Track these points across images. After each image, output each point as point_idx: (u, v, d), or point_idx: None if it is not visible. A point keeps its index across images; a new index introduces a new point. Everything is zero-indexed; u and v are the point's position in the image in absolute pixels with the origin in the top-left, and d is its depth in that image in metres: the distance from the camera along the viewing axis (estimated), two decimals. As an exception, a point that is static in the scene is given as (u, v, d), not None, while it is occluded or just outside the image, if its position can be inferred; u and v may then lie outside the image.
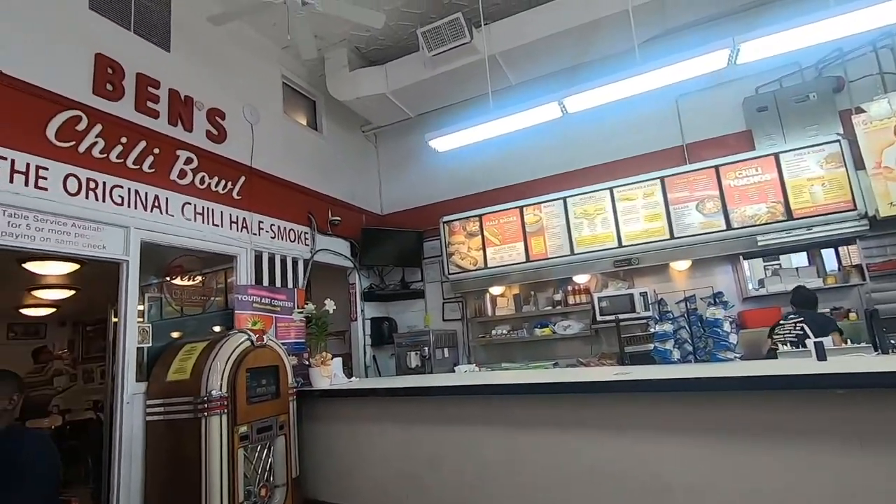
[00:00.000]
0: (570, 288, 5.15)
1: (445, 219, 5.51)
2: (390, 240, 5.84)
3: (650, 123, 5.06)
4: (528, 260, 5.05)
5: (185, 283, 4.54)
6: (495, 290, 5.48)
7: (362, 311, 5.67)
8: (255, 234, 4.35)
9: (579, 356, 4.93)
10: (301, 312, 4.38)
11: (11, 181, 2.77)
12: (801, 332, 3.61)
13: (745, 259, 4.55)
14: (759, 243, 4.23)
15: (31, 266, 4.55)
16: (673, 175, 4.58)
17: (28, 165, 2.85)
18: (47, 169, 2.94)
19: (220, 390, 3.06)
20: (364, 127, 6.30)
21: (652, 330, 4.16)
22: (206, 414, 3.00)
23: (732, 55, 3.36)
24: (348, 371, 4.54)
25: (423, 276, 6.00)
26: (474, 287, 5.47)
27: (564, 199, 4.97)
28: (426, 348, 5.02)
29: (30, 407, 5.65)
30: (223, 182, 4.11)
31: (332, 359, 3.97)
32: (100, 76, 3.32)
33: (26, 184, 2.83)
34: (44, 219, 2.90)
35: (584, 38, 4.51)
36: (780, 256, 4.64)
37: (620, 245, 4.67)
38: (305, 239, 4.99)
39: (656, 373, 2.67)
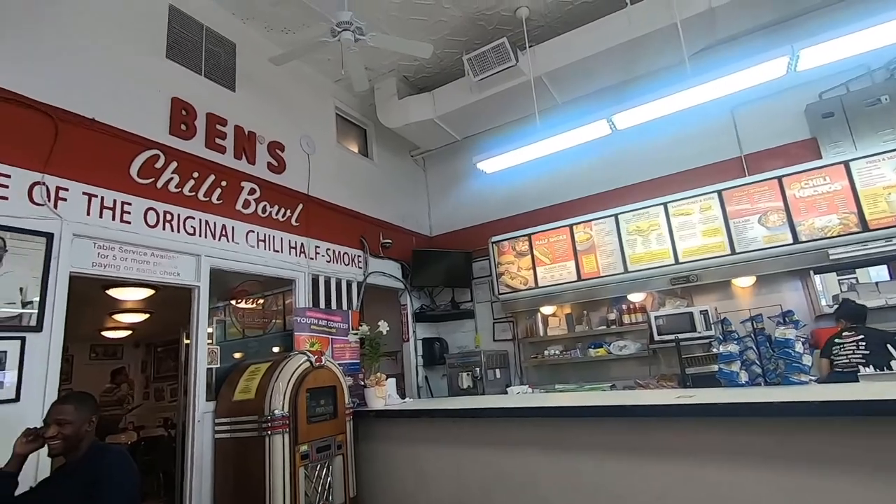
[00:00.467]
0: (624, 307, 5.00)
1: (494, 239, 5.54)
2: (440, 261, 5.92)
3: (704, 135, 4.90)
4: (579, 279, 4.97)
5: (248, 306, 4.79)
6: (546, 309, 5.42)
7: (414, 331, 5.75)
8: (311, 259, 4.54)
9: (637, 377, 4.76)
10: (356, 333, 4.49)
11: (101, 216, 3.06)
12: (867, 352, 3.37)
13: (816, 274, 4.27)
14: (832, 257, 3.96)
15: (113, 292, 4.95)
16: (731, 188, 4.40)
17: (115, 201, 3.14)
18: (131, 204, 3.23)
19: (283, 410, 3.18)
20: (412, 151, 6.48)
21: (715, 351, 3.98)
22: (269, 433, 3.13)
23: (792, 62, 3.24)
24: (401, 391, 4.59)
25: (472, 297, 6.02)
26: (525, 307, 5.42)
27: (616, 215, 4.88)
28: (478, 369, 5.00)
29: (105, 425, 6.08)
30: (283, 210, 4.34)
31: (386, 379, 4.04)
32: (175, 117, 3.63)
33: (113, 218, 3.12)
34: (128, 249, 3.18)
35: (630, 54, 4.48)
36: (857, 270, 4.33)
37: (677, 262, 4.51)
38: (358, 262, 5.15)
39: (724, 396, 2.55)
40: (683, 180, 4.84)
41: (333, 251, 4.84)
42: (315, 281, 4.54)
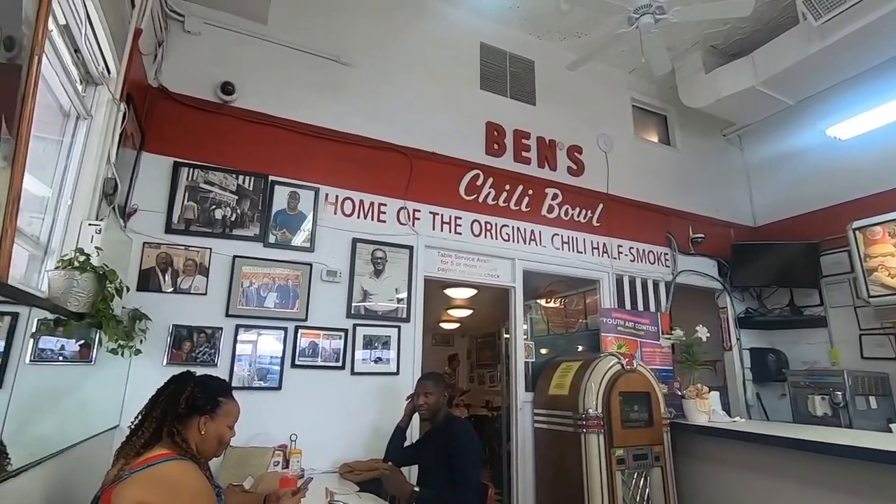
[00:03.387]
0: None
1: (857, 224, 4.19)
2: (769, 255, 4.89)
3: None
4: None
5: (553, 305, 5.06)
6: (960, 320, 3.78)
7: (738, 339, 4.91)
8: (615, 259, 4.44)
9: None
10: (668, 338, 4.16)
11: (441, 230, 3.76)
12: None
13: None
14: None
15: (449, 291, 6.02)
16: None
17: (450, 217, 3.81)
18: (461, 218, 3.86)
19: (596, 410, 3.21)
20: (725, 130, 5.59)
21: None
22: (584, 430, 3.20)
23: None
24: (725, 408, 3.99)
25: (822, 300, 4.73)
26: (916, 315, 3.93)
27: None
28: (839, 393, 3.87)
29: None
30: (583, 211, 4.40)
31: (708, 392, 3.59)
32: (489, 139, 4.16)
33: (450, 231, 3.79)
34: (460, 256, 3.81)
35: None
36: None
37: None
38: (665, 260, 4.76)
39: None
40: None
41: (637, 249, 4.61)
42: (619, 281, 4.42)
